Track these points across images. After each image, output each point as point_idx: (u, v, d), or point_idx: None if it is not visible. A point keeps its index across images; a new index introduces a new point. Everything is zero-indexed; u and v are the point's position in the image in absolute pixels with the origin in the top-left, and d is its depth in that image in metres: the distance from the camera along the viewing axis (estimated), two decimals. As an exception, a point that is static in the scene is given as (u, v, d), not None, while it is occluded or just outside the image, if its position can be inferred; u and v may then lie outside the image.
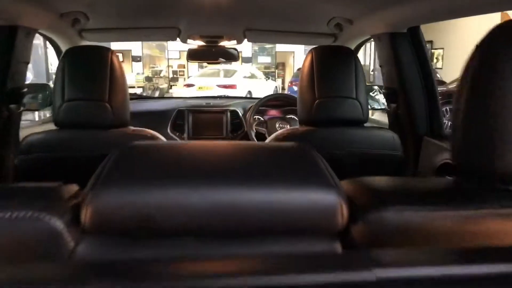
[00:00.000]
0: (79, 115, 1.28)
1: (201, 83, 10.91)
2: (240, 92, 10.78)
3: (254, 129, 2.33)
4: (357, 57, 1.39)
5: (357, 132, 1.36)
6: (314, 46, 1.40)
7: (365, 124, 1.40)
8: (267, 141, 1.40)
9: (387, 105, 1.66)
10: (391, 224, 0.48)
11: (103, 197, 0.44)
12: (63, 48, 1.91)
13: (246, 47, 16.81)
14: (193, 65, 17.56)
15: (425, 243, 0.48)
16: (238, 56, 2.26)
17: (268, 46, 18.31)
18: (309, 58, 1.37)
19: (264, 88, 12.75)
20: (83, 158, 1.29)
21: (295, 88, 11.88)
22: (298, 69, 13.00)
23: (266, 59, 18.95)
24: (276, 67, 19.99)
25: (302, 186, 0.47)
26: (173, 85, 15.54)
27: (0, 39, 1.34)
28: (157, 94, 12.80)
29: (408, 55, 1.51)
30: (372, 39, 1.77)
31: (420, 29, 1.49)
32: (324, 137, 1.35)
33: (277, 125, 2.33)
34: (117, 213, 0.44)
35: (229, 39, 2.08)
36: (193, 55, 2.21)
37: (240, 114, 2.51)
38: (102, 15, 1.75)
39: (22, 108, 1.51)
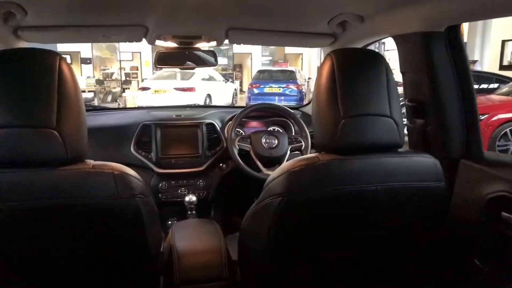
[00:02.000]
0: (13, 150, 0.87)
1: (157, 86, 10.36)
2: (199, 95, 10.36)
3: (237, 145, 1.98)
4: (388, 63, 1.08)
5: (393, 160, 1.05)
6: (333, 49, 1.08)
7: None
8: (274, 175, 1.06)
9: (410, 120, 1.37)
10: None
11: None
12: (-6, 51, 1.46)
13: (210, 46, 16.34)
14: (146, 67, 16.86)
15: None
16: (216, 61, 1.90)
17: (224, 47, 17.91)
18: (327, 64, 1.04)
19: (223, 91, 12.37)
20: (20, 211, 0.89)
21: (256, 91, 11.59)
22: (258, 71, 12.72)
23: (223, 61, 18.54)
24: (234, 69, 19.68)
25: None
26: (126, 88, 14.81)
27: None
28: (109, 98, 12.05)
29: (444, 60, 1.22)
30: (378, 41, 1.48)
31: (460, 28, 1.21)
32: (354, 169, 1.02)
33: (263, 141, 1.99)
34: None
35: (208, 40, 1.72)
36: (163, 60, 1.82)
37: (218, 127, 2.15)
38: (45, 8, 1.33)
39: None
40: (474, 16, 1.16)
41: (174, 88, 10.18)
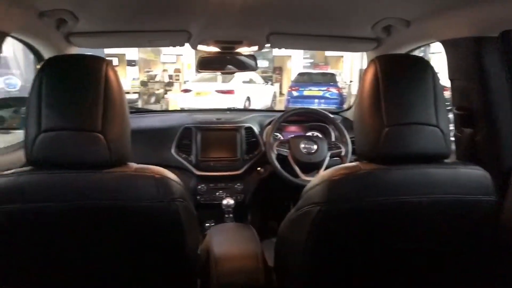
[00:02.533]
0: (61, 151, 0.91)
1: (199, 88, 10.55)
2: (238, 97, 10.45)
3: (275, 150, 1.97)
4: (435, 70, 1.03)
5: (439, 171, 1.00)
6: (377, 55, 1.05)
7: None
8: (313, 183, 1.04)
9: (458, 129, 1.31)
10: None
11: None
12: (46, 56, 1.55)
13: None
14: (189, 70, 17.21)
15: None
16: (257, 65, 1.91)
17: (265, 50, 17.98)
18: (371, 70, 1.01)
19: (263, 93, 12.41)
20: (67, 211, 0.93)
21: (295, 94, 11.53)
22: (298, 74, 12.66)
23: (263, 63, 18.60)
24: (274, 72, 19.69)
25: None
26: (169, 90, 15.18)
27: None
28: (153, 99, 12.42)
29: (497, 66, 1.16)
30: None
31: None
32: (397, 180, 0.99)
33: (301, 146, 1.97)
34: None
35: (249, 44, 1.73)
36: (204, 64, 1.85)
37: (257, 132, 2.15)
38: (95, 15, 1.39)
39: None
40: None
41: (215, 91, 10.32)
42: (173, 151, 2.08)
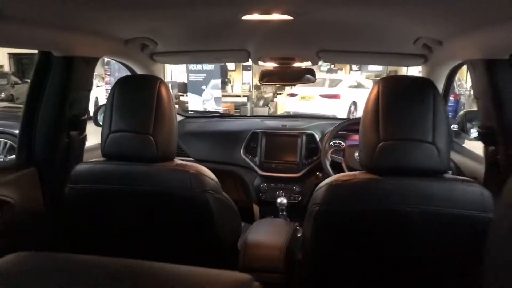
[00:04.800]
0: (123, 148, 1.25)
1: (304, 92, 10.76)
2: (344, 102, 10.37)
3: (329, 157, 2.11)
4: (437, 90, 1.11)
5: (434, 184, 1.08)
6: (383, 77, 1.16)
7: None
8: (319, 186, 1.20)
9: (484, 147, 1.32)
10: None
11: None
12: (138, 71, 1.95)
13: (355, 55, 16.15)
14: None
15: None
16: (314, 78, 2.07)
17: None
18: (375, 90, 1.14)
19: (371, 98, 12.04)
20: (125, 192, 1.26)
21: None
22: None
23: (377, 67, 17.98)
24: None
25: None
26: (280, 93, 15.70)
27: (58, 70, 1.38)
28: (261, 103, 13.03)
29: (509, 86, 1.17)
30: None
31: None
32: (388, 189, 1.10)
33: (356, 155, 2.08)
34: None
35: (301, 60, 1.92)
36: (266, 77, 2.09)
37: (318, 138, 2.31)
38: (169, 39, 1.73)
39: (84, 134, 1.55)
40: None
41: (320, 95, 10.42)
42: (241, 152, 2.37)
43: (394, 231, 1.12)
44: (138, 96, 1.25)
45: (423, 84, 1.12)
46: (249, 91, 12.95)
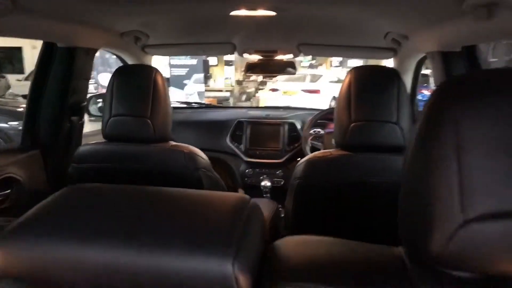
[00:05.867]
0: (123, 130, 1.38)
1: (286, 87, 10.95)
2: (324, 97, 10.60)
3: (309, 143, 2.28)
4: (401, 79, 1.28)
5: (397, 158, 1.25)
6: (354, 66, 1.33)
7: None
8: (299, 163, 1.37)
9: None
10: None
11: (10, 243, 0.48)
12: (130, 62, 2.08)
13: (336, 51, 16.43)
14: (282, 69, 17.66)
15: None
16: (295, 69, 2.24)
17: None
18: (347, 78, 1.30)
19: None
20: (125, 170, 1.39)
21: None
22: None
23: (358, 63, 18.31)
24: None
25: (198, 256, 0.45)
26: (261, 88, 15.84)
27: (61, 59, 1.50)
28: (244, 97, 13.17)
29: None
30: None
31: (478, 48, 1.33)
32: (359, 163, 1.27)
33: (333, 141, 2.25)
34: (22, 262, 0.46)
35: (284, 53, 2.07)
36: (251, 68, 2.25)
37: (298, 127, 2.48)
38: (160, 32, 1.86)
39: (83, 120, 1.68)
40: (485, 38, 1.27)
41: (302, 90, 10.62)
42: (227, 140, 2.51)
43: (363, 200, 1.29)
44: (136, 83, 1.38)
45: (389, 73, 1.29)
46: (232, 86, 13.06)
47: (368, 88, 1.27)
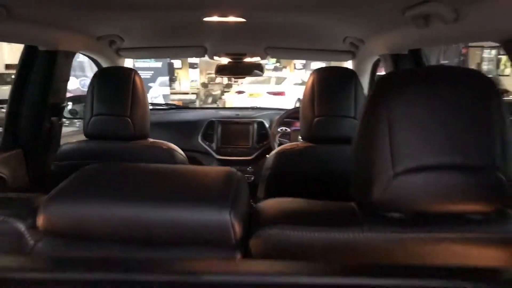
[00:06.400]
0: (105, 128, 1.47)
1: (252, 90, 11.13)
2: (289, 98, 10.85)
3: (277, 140, 2.44)
4: (357, 78, 1.45)
5: None
6: (317, 68, 1.49)
7: None
8: (270, 155, 1.51)
9: None
10: (274, 240, 0.58)
11: (52, 207, 0.59)
12: (104, 65, 2.15)
13: (299, 54, 16.82)
14: (247, 72, 17.86)
15: (303, 257, 0.57)
16: (262, 71, 2.39)
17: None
18: (311, 78, 1.46)
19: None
20: None
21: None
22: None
23: (320, 65, 18.74)
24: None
25: (201, 207, 0.58)
26: (227, 91, 15.97)
27: (42, 62, 1.58)
28: (210, 100, 13.24)
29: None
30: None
31: (422, 51, 1.53)
32: (322, 153, 1.43)
33: (299, 137, 2.42)
34: (62, 221, 0.58)
35: (252, 56, 2.22)
36: (221, 70, 2.38)
37: (267, 126, 2.63)
38: (134, 36, 1.96)
39: (62, 120, 1.75)
40: (426, 43, 1.47)
41: (267, 92, 10.83)
42: (199, 139, 2.63)
43: (328, 186, 1.45)
44: (116, 84, 1.48)
45: (347, 74, 1.46)
46: (197, 88, 13.10)
47: (329, 87, 1.44)
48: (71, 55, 1.70)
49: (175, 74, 13.48)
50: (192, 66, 17.25)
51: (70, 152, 1.49)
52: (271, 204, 0.71)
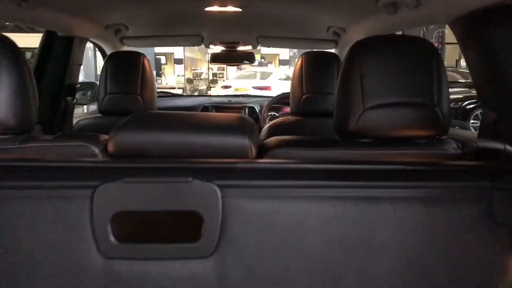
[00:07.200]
0: (117, 105, 1.67)
1: (238, 85, 11.33)
2: (275, 93, 11.08)
3: (267, 123, 2.66)
4: (340, 61, 1.69)
5: None
6: (305, 51, 1.72)
7: None
8: (264, 128, 1.73)
9: None
10: (281, 157, 0.81)
11: (118, 135, 0.80)
12: (108, 52, 2.34)
13: (283, 51, 17.13)
14: (233, 68, 18.11)
15: None
16: (254, 59, 2.61)
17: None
18: (300, 60, 1.69)
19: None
20: None
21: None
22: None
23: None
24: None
25: (228, 134, 0.80)
26: (212, 86, 16.14)
27: (61, 47, 1.76)
28: (196, 94, 13.40)
29: None
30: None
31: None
32: (311, 126, 1.66)
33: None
34: (127, 144, 0.79)
35: (245, 44, 2.43)
36: (215, 58, 2.59)
37: (257, 110, 2.85)
38: (138, 25, 2.15)
39: (75, 101, 1.93)
40: (395, 29, 1.71)
41: (252, 87, 11.04)
42: None
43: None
44: (128, 66, 1.68)
45: (331, 57, 1.70)
46: (184, 83, 13.25)
47: (316, 68, 1.67)
48: (84, 41, 1.89)
49: (161, 70, 13.62)
50: (178, 61, 17.35)
51: (86, 127, 1.69)
52: (274, 138, 0.93)
